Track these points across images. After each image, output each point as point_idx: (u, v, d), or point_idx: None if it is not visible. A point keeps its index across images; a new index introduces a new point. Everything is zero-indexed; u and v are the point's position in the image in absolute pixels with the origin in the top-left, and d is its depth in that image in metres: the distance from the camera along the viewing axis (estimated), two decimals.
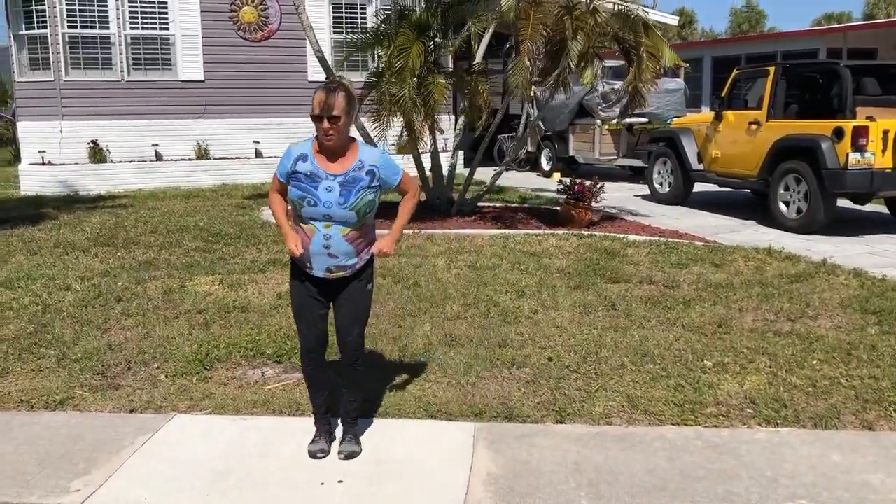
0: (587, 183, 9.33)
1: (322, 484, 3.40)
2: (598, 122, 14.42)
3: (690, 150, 11.29)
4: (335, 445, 3.72)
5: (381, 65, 9.47)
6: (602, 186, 9.37)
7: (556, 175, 14.86)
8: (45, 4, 13.48)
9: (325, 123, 3.37)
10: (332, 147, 3.46)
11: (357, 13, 15.24)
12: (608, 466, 3.54)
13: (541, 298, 6.06)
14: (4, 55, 18.09)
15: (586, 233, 8.68)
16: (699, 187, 11.73)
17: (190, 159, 14.37)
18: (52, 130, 13.74)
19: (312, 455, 3.65)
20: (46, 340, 5.15)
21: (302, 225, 3.50)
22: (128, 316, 5.69)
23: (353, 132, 3.61)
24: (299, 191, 3.44)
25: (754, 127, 10.05)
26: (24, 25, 13.90)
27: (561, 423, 3.99)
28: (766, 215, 9.83)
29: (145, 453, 3.69)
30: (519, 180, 14.54)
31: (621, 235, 8.56)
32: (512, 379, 4.49)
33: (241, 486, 3.39)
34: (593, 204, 9.40)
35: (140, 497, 3.29)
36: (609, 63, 13.75)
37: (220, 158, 14.56)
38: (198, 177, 14.02)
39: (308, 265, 3.53)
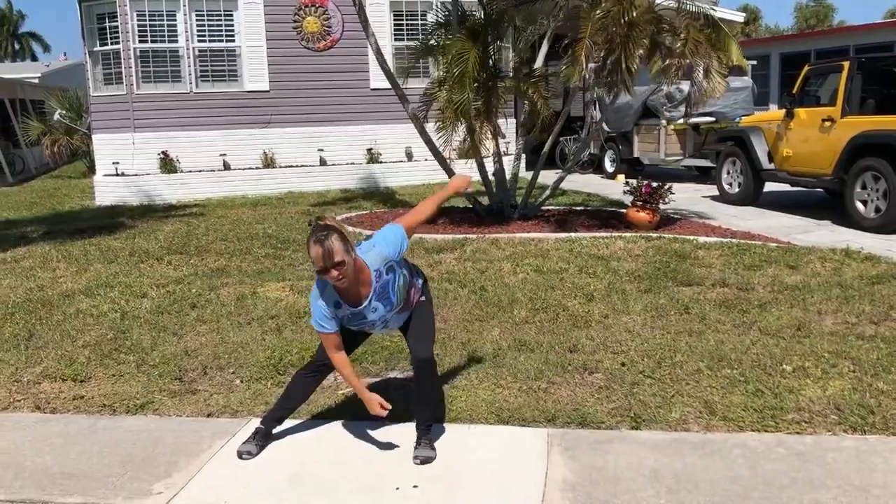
0: (654, 184, 9.17)
1: (397, 489, 3.40)
2: (664, 122, 14.19)
3: (761, 149, 11.00)
4: (410, 450, 3.71)
5: (441, 71, 9.49)
6: (670, 188, 9.19)
7: (621, 177, 14.66)
8: (118, 21, 13.95)
9: (334, 273, 3.32)
10: (349, 285, 3.43)
11: (417, 19, 15.34)
12: (687, 474, 3.45)
13: (611, 302, 5.97)
14: (80, 71, 18.77)
15: (654, 235, 8.53)
16: (770, 187, 11.42)
17: (256, 168, 14.66)
18: (124, 142, 14.20)
19: (239, 455, 3.71)
20: (126, 346, 5.30)
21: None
22: (202, 322, 5.82)
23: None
24: (354, 328, 3.64)
25: (828, 124, 9.73)
26: (98, 42, 14.41)
27: (636, 429, 3.91)
28: (842, 215, 9.51)
29: (223, 457, 3.76)
30: (582, 183, 14.39)
31: (691, 237, 8.39)
32: (584, 384, 4.43)
33: (317, 490, 3.42)
34: (661, 205, 9.23)
35: (219, 500, 3.35)
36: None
37: (286, 167, 14.81)
38: (264, 185, 14.29)
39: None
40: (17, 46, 53.92)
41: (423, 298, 3.80)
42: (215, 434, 3.98)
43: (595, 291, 6.28)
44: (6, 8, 53.05)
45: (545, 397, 4.27)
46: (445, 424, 4.00)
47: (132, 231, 10.17)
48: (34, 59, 50.93)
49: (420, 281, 3.82)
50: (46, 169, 22.75)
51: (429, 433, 3.78)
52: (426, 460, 3.64)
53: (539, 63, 10.64)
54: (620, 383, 4.41)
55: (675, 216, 9.94)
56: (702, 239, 8.30)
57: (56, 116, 20.10)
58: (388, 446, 3.80)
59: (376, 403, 3.58)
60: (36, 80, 25.18)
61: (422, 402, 3.81)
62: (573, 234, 8.75)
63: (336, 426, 4.07)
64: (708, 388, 4.31)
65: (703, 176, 14.43)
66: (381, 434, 3.93)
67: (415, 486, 3.42)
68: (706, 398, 4.18)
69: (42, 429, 4.12)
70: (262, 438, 3.82)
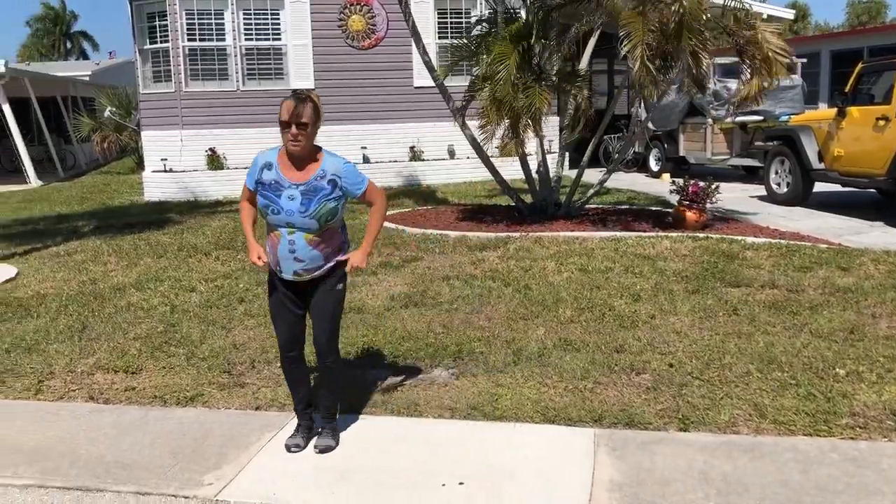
0: (701, 183, 9.04)
1: (443, 485, 3.41)
2: (710, 120, 13.99)
3: (811, 149, 10.77)
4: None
5: (484, 70, 9.48)
6: (717, 187, 9.05)
7: (666, 176, 14.49)
8: (167, 20, 14.19)
9: (294, 129, 3.43)
10: (298, 154, 3.52)
11: (462, 17, 15.33)
12: (737, 477, 3.40)
13: (657, 303, 5.91)
14: (129, 69, 19.15)
15: (701, 235, 8.41)
16: (820, 187, 11.17)
17: None
18: (172, 139, 14.44)
19: (287, 448, 3.77)
20: (176, 339, 5.40)
21: (270, 232, 3.62)
22: (250, 316, 5.90)
23: (320, 141, 3.59)
24: (264, 199, 3.56)
25: (882, 123, 9.50)
26: (147, 40, 14.67)
27: (685, 430, 3.86)
28: None
29: (272, 450, 3.80)
30: (626, 182, 14.25)
31: (739, 238, 8.25)
32: (631, 385, 4.39)
33: (365, 485, 3.44)
34: (708, 205, 9.10)
35: (269, 493, 3.39)
36: (720, 60, 13.32)
37: None
38: None
39: (279, 269, 3.64)
40: (68, 45, 55.18)
41: (339, 286, 3.73)
42: (264, 427, 4.03)
43: (641, 291, 6.21)
44: (59, 8, 54.33)
45: (591, 397, 4.24)
46: (490, 422, 4.00)
47: (180, 226, 10.34)
48: (84, 57, 52.09)
49: (346, 248, 3.76)
50: (96, 165, 23.28)
51: (332, 423, 3.86)
52: (325, 449, 3.75)
53: (584, 62, 10.57)
54: (668, 384, 4.36)
55: (722, 216, 9.79)
56: (750, 239, 8.17)
57: (106, 113, 20.53)
58: (433, 442, 3.81)
59: (255, 254, 3.69)
60: (87, 78, 25.74)
61: (325, 384, 3.87)
62: (618, 233, 8.67)
63: (382, 421, 4.09)
64: (758, 391, 4.24)
65: (749, 175, 14.19)
66: (425, 430, 3.94)
67: (461, 483, 3.42)
68: (756, 401, 4.11)
69: (96, 419, 4.22)
70: (306, 430, 3.87)
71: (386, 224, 9.84)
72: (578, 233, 8.83)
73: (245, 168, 13.96)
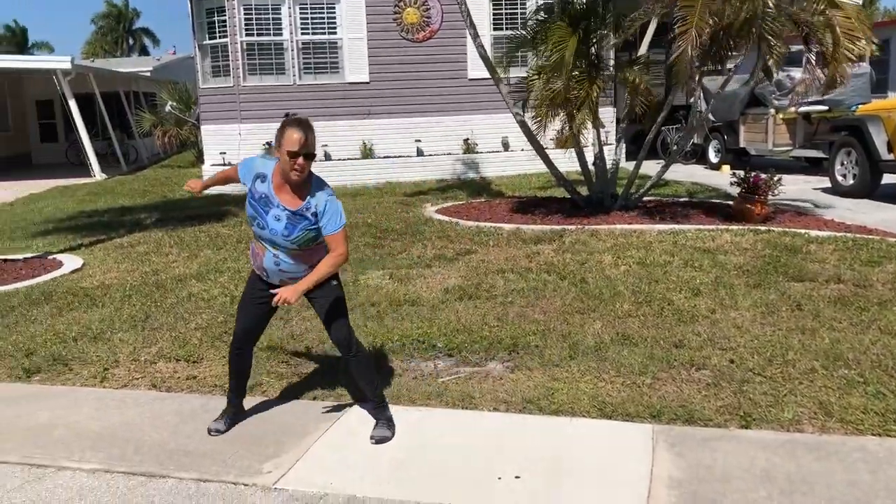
0: (763, 175, 8.81)
1: (499, 478, 3.40)
2: (772, 111, 13.63)
3: (879, 139, 10.41)
4: (368, 430, 3.82)
5: (541, 60, 9.39)
6: (779, 179, 8.81)
7: (725, 168, 14.18)
8: (225, 15, 14.42)
9: (301, 160, 3.43)
10: (299, 182, 3.52)
11: (517, 8, 15.23)
12: (802, 476, 3.31)
13: (718, 297, 5.78)
14: (189, 64, 19.54)
15: (763, 228, 8.20)
16: (888, 179, 10.80)
17: (356, 159, 14.91)
18: (231, 133, 14.70)
19: (208, 431, 3.89)
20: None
21: (256, 240, 3.70)
22: (307, 307, 5.92)
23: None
24: (252, 209, 3.61)
25: None
26: (207, 36, 14.94)
27: (746, 428, 3.77)
28: None
29: (328, 440, 3.84)
30: (684, 173, 13.99)
31: (802, 231, 8.03)
32: (691, 381, 4.31)
33: (420, 476, 3.45)
34: (769, 197, 8.87)
35: (326, 482, 3.42)
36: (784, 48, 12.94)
37: (384, 157, 15.01)
38: (363, 175, 14.53)
39: (264, 274, 3.73)
40: (131, 42, 56.59)
41: (335, 282, 3.80)
42: (321, 417, 4.08)
43: (701, 285, 6.09)
44: (122, 5, 55.72)
45: (650, 392, 4.17)
46: (546, 416, 3.97)
47: (238, 219, 10.52)
48: (145, 53, 53.37)
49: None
50: (157, 159, 23.84)
51: (385, 413, 3.89)
52: (382, 440, 3.78)
53: (642, 51, 10.39)
54: (729, 381, 4.27)
55: (785, 209, 9.54)
56: (814, 233, 7.94)
57: (167, 108, 21.01)
58: (489, 435, 3.80)
59: (194, 183, 4.03)
60: (148, 74, 26.38)
61: (359, 378, 3.91)
62: (677, 226, 8.52)
63: (438, 413, 4.10)
64: (823, 389, 4.11)
65: (813, 167, 13.79)
66: (481, 423, 3.93)
67: (517, 477, 3.40)
68: (821, 399, 3.99)
69: (158, 406, 4.32)
70: (231, 415, 4.00)
71: (440, 216, 9.89)
72: (636, 225, 8.70)
73: None
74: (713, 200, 10.53)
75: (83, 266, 7.85)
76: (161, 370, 4.84)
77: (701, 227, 8.46)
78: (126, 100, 23.66)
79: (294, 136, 3.42)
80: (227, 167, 3.70)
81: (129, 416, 4.21)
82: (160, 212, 11.76)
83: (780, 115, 13.60)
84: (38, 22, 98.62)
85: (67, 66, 18.13)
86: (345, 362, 3.93)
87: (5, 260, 8.10)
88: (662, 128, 15.30)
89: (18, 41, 49.13)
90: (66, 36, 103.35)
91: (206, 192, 4.29)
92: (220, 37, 14.73)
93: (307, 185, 3.59)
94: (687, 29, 7.76)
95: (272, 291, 3.66)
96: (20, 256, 8.45)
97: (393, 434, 3.83)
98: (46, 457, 3.74)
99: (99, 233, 9.91)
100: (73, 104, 18.33)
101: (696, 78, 8.83)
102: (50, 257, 8.38)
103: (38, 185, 16.72)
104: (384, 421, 3.88)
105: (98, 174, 18.48)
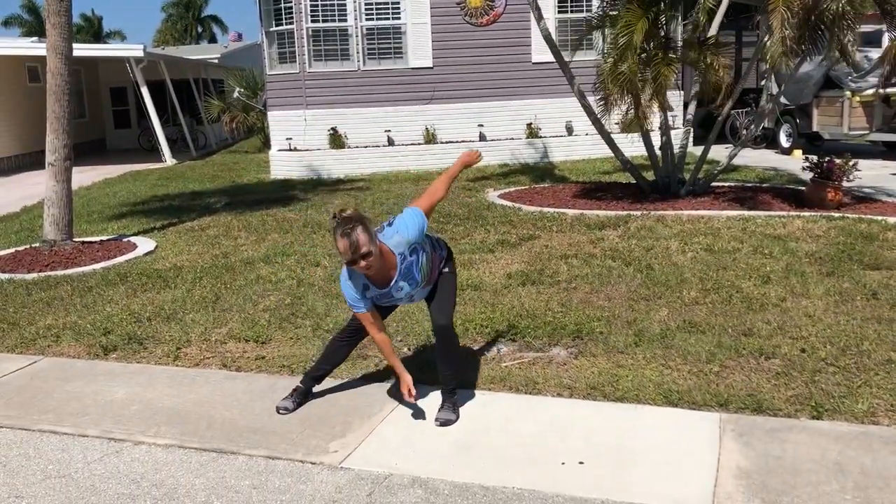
0: (837, 160, 8.53)
1: (563, 464, 3.39)
2: (848, 93, 13.15)
3: None
4: (433, 413, 3.88)
5: (608, 43, 9.24)
6: (855, 164, 8.52)
7: (797, 152, 13.78)
8: (291, 2, 14.60)
9: (362, 263, 3.47)
10: (376, 272, 3.56)
11: None
12: (877, 470, 3.22)
13: (789, 285, 5.64)
14: (255, 51, 19.88)
15: (837, 214, 7.95)
16: None
17: (419, 144, 14.96)
18: (297, 119, 14.91)
19: (276, 410, 4.00)
20: (302, 311, 5.60)
21: None
22: None
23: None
24: (384, 310, 3.88)
25: None
26: (274, 22, 15.15)
27: (818, 419, 3.68)
28: None
29: (393, 421, 3.89)
30: (754, 158, 13.63)
31: (879, 217, 7.74)
32: (760, 370, 4.22)
33: (484, 460, 3.47)
34: (844, 183, 8.58)
35: (391, 463, 3.47)
36: (861, 28, 12.47)
37: (447, 142, 15.02)
38: (425, 160, 14.56)
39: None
40: (199, 30, 57.76)
41: (446, 270, 3.93)
42: (386, 398, 4.13)
43: (771, 273, 5.94)
44: None
45: (717, 381, 4.10)
46: (611, 403, 3.95)
47: (304, 203, 10.69)
48: (213, 41, 54.41)
49: (444, 252, 3.97)
50: (225, 144, 24.36)
51: (453, 396, 3.92)
52: (446, 422, 3.80)
53: (712, 32, 10.13)
54: (800, 370, 4.16)
55: (861, 195, 9.22)
56: (891, 220, 7.65)
57: (235, 95, 21.41)
58: (552, 421, 3.79)
59: (406, 386, 3.77)
60: (216, 61, 26.91)
61: (444, 367, 3.93)
62: (746, 212, 8.32)
63: (501, 397, 4.11)
64: None
65: (891, 151, 13.28)
66: (545, 408, 3.93)
67: (580, 463, 3.39)
68: None
69: (229, 385, 4.44)
70: (301, 396, 4.06)
71: (502, 202, 9.87)
72: (704, 211, 8.53)
73: (365, 147, 14.29)
74: (785, 186, 10.25)
75: (156, 248, 8.10)
76: (231, 350, 4.97)
77: (771, 213, 8.24)
78: (195, 86, 24.21)
79: (339, 247, 3.47)
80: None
81: (201, 393, 4.34)
82: (229, 196, 12.03)
83: (857, 98, 13.12)
84: (112, 11, 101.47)
85: (140, 54, 18.65)
86: (442, 343, 3.93)
87: (83, 242, 8.41)
88: (732, 112, 14.94)
89: (95, 31, 50.66)
90: (138, 24, 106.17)
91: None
92: (286, 23, 14.92)
93: (384, 250, 3.58)
94: (775, 6, 7.52)
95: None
96: (97, 239, 8.76)
97: (457, 418, 3.86)
98: (123, 431, 3.89)
99: (171, 216, 10.20)
100: (145, 91, 18.85)
101: (795, 59, 8.51)
102: (125, 240, 8.67)
103: (112, 170, 17.27)
104: (449, 405, 3.91)
105: (169, 159, 18.98)
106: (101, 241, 8.64)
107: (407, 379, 3.78)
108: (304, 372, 4.25)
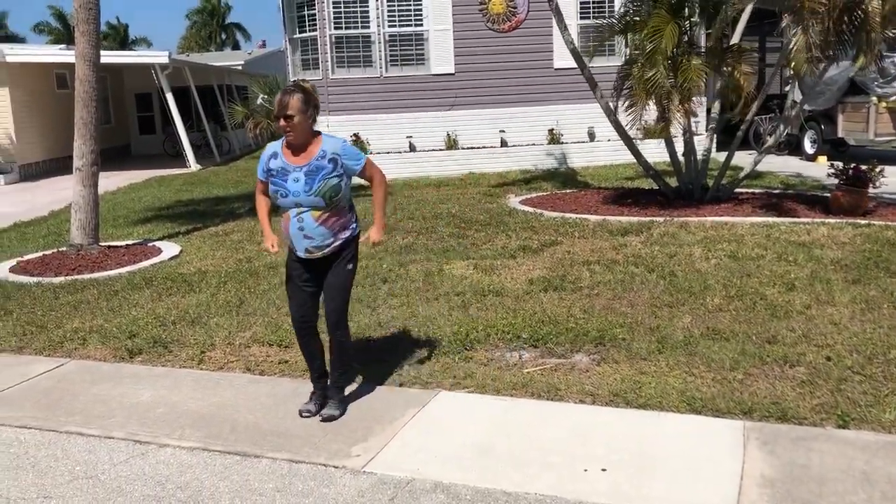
0: (863, 166, 8.44)
1: (585, 470, 3.39)
2: (874, 99, 13.02)
3: None
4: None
5: (632, 51, 9.22)
6: (882, 170, 8.43)
7: (822, 159, 13.64)
8: (315, 9, 14.71)
9: (283, 122, 3.77)
10: (295, 142, 3.83)
11: None
12: None
13: (814, 292, 5.59)
14: (279, 57, 20.02)
15: (863, 222, 7.87)
16: None
17: (440, 150, 15.00)
18: (320, 125, 14.81)
19: (299, 413, 4.07)
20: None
21: (283, 214, 3.91)
22: (393, 296, 6.06)
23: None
24: (274, 186, 3.89)
25: None
26: (297, 29, 15.27)
27: (844, 428, 3.65)
28: None
29: (415, 426, 3.91)
30: (777, 165, 13.53)
31: None
32: (785, 377, 4.19)
33: (506, 465, 3.47)
34: (870, 190, 8.49)
35: (413, 467, 3.49)
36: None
37: (468, 148, 15.04)
38: (447, 166, 14.60)
39: (293, 247, 3.95)
40: (223, 36, 58.33)
41: (349, 266, 4.03)
42: (408, 403, 4.15)
43: (796, 280, 5.90)
44: (216, 1, 57.44)
45: (741, 389, 4.08)
46: (634, 410, 3.94)
47: None
48: (237, 48, 54.90)
49: (354, 226, 4.03)
50: (249, 150, 24.54)
51: (339, 394, 4.13)
52: (329, 418, 3.97)
53: (736, 38, 10.08)
54: (825, 378, 4.13)
55: (887, 201, 9.11)
56: None
57: (258, 101, 21.52)
58: (575, 427, 3.78)
59: (269, 242, 4.05)
60: (240, 67, 27.15)
61: (333, 355, 4.10)
62: (770, 219, 8.26)
63: (523, 403, 4.11)
64: None
65: None
66: (567, 414, 3.93)
67: (603, 469, 3.38)
68: None
69: (253, 389, 4.48)
70: (321, 399, 4.15)
71: (524, 207, 9.86)
72: (727, 218, 8.48)
73: (387, 153, 14.37)
74: (809, 192, 10.16)
75: (181, 253, 8.18)
76: (255, 354, 5.01)
77: (796, 220, 8.18)
78: (219, 92, 24.43)
79: (276, 101, 3.78)
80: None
81: (225, 397, 4.38)
82: (252, 201, 12.08)
83: (883, 104, 12.98)
84: (138, 19, 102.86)
85: (165, 60, 18.86)
86: (331, 342, 4.09)
87: (109, 246, 8.52)
88: (755, 118, 14.83)
89: (121, 38, 51.32)
90: (163, 31, 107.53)
91: None
92: (309, 30, 15.04)
93: (316, 140, 3.86)
94: (801, 7, 7.46)
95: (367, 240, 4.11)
96: (123, 243, 8.87)
97: (342, 413, 4.03)
98: (149, 434, 3.93)
99: (195, 221, 10.30)
100: (170, 97, 19.05)
101: (820, 64, 8.44)
102: (150, 244, 8.77)
103: (137, 176, 17.47)
104: (336, 402, 4.08)
105: (193, 165, 19.16)
106: (127, 245, 8.75)
107: (270, 237, 4.04)
108: (310, 379, 4.27)
